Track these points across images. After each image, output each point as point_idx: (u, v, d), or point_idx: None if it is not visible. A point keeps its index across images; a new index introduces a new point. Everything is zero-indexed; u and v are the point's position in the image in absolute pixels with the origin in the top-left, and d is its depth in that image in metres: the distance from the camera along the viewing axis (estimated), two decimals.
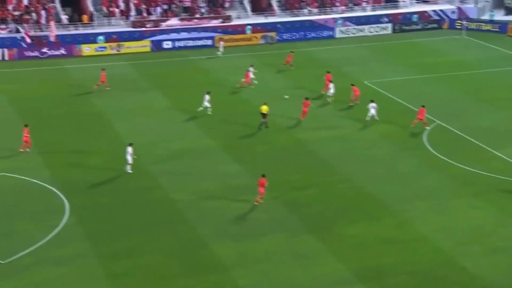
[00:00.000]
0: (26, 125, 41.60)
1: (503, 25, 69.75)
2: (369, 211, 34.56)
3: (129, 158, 38.42)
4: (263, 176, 35.11)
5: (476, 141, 42.85)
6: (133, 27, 66.06)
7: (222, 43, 63.35)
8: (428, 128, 44.46)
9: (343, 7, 72.40)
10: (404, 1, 74.30)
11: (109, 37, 64.57)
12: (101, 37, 64.40)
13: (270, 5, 71.61)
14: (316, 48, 64.85)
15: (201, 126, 45.83)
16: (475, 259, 30.08)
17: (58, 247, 31.20)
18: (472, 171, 38.68)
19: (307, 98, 46.81)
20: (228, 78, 55.84)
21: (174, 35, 65.93)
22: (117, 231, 32.75)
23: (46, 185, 37.31)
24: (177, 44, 65.55)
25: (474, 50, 64.35)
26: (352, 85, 49.85)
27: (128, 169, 38.61)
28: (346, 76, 55.17)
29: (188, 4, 69.43)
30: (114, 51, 63.54)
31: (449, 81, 55.17)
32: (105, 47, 63.74)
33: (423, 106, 44.91)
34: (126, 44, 64.20)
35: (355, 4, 73.10)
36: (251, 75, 53.47)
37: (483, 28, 70.32)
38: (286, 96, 48.17)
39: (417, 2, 75.37)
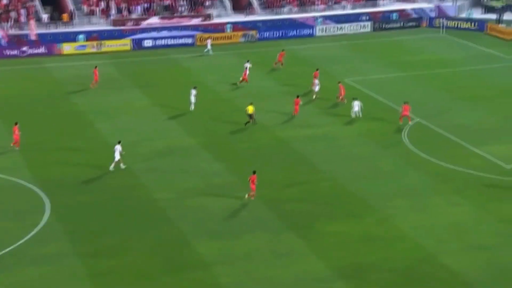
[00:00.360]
0: (16, 123, 41.42)
1: (481, 23, 70.27)
2: (350, 208, 34.66)
3: (117, 156, 38.29)
4: (254, 172, 35.12)
5: (455, 138, 43.14)
6: (113, 26, 65.68)
7: (209, 41, 63.10)
8: (410, 123, 44.68)
9: (323, 6, 72.53)
10: (383, 0, 74.59)
11: (89, 35, 64.14)
12: (81, 36, 63.95)
13: (250, 3, 71.56)
14: (296, 47, 64.89)
15: (183, 124, 45.69)
16: (455, 256, 30.28)
17: (39, 246, 30.96)
18: (452, 168, 38.93)
19: (298, 96, 46.98)
20: (209, 76, 55.71)
21: (154, 34, 65.65)
22: (98, 229, 32.56)
23: (26, 184, 36.99)
24: (158, 42, 65.27)
25: (452, 48, 64.76)
26: (339, 82, 49.95)
27: (112, 167, 38.49)
28: (326, 74, 55.23)
29: (168, 2, 69.18)
30: (95, 50, 63.14)
31: (429, 79, 55.47)
32: (85, 46, 63.31)
33: (407, 103, 45.10)
34: (107, 42, 63.81)
35: (335, 3, 73.27)
36: (248, 71, 53.39)
37: (461, 27, 70.79)
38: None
39: (396, 1, 75.68)
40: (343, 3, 73.35)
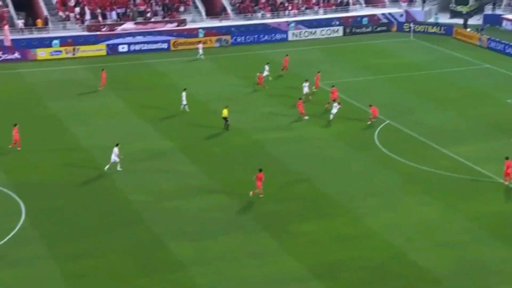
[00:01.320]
0: (15, 124, 41.55)
1: (448, 28, 71.19)
2: (322, 209, 34.92)
3: (115, 158, 38.43)
4: (260, 170, 35.39)
5: (424, 139, 43.67)
6: (88, 31, 65.40)
7: (200, 45, 62.97)
8: (370, 122, 45.39)
9: (296, 11, 72.95)
10: (354, 5, 75.20)
11: (64, 41, 63.80)
12: (56, 41, 63.58)
13: (224, 9, 71.72)
14: (270, 51, 65.16)
15: (158, 128, 45.66)
16: (424, 254, 30.65)
17: (15, 249, 30.75)
18: (421, 168, 39.40)
19: (300, 99, 47.52)
20: (184, 80, 55.71)
21: (129, 39, 65.51)
22: (74, 232, 32.42)
23: (1, 188, 36.68)
24: (133, 47, 65.13)
25: (421, 51, 65.50)
26: (333, 86, 49.87)
27: (107, 167, 38.59)
28: (299, 78, 55.54)
29: (143, 8, 69.08)
30: (70, 55, 62.80)
31: (399, 81, 56.07)
32: (60, 51, 62.95)
33: (371, 105, 45.71)
34: (82, 48, 63.52)
35: (307, 8, 73.72)
36: (266, 73, 53.84)
37: (429, 31, 71.65)
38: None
39: (366, 6, 76.37)
40: (315, 8, 73.85)
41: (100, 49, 64.09)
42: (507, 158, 37.02)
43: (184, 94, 47.91)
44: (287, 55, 58.68)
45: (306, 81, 50.97)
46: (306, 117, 46.51)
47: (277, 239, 31.87)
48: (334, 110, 46.17)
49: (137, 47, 65.27)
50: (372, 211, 34.59)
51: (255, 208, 34.86)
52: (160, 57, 63.24)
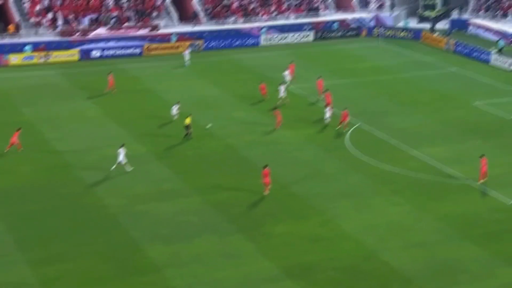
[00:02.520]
0: (19, 128, 41.83)
1: (416, 33, 72.06)
2: (295, 210, 35.14)
3: (122, 158, 38.51)
4: (266, 167, 35.93)
5: (395, 141, 44.15)
6: (61, 37, 64.93)
7: (187, 52, 62.57)
8: (339, 126, 45.54)
9: (267, 16, 73.27)
10: (325, 10, 75.76)
11: (36, 46, 63.22)
12: (28, 47, 62.99)
13: (196, 14, 71.75)
14: (242, 56, 65.35)
15: (131, 132, 45.52)
16: (395, 253, 31.02)
17: None
18: (392, 170, 39.85)
19: (275, 108, 46.59)
20: (157, 85, 55.61)
21: (102, 44, 65.17)
22: (48, 237, 32.20)
23: None
24: (106, 52, 64.80)
25: (390, 56, 66.20)
26: (327, 90, 49.73)
27: (113, 167, 38.60)
28: (271, 82, 55.82)
29: (116, 13, 68.81)
30: (42, 60, 62.30)
31: (369, 85, 56.61)
32: (32, 57, 62.39)
33: (346, 109, 46.02)
34: (54, 53, 63.03)
35: (278, 13, 74.10)
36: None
37: (398, 35, 72.47)
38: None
39: (337, 11, 76.98)
40: (286, 13, 74.27)
41: (72, 54, 63.67)
42: (482, 156, 37.53)
43: (176, 106, 46.74)
44: (292, 62, 57.53)
45: (282, 84, 51.11)
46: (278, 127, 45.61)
47: (251, 241, 32.01)
48: (328, 115, 45.84)
49: (110, 52, 64.95)
50: (345, 212, 34.89)
51: (229, 211, 34.96)
52: (133, 62, 63.01)
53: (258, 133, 45.60)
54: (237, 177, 38.92)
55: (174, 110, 46.82)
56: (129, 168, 38.87)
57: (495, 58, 62.53)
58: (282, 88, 50.60)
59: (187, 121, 44.03)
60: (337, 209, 35.14)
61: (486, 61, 62.91)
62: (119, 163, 38.68)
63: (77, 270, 29.49)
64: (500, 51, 64.05)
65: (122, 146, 39.11)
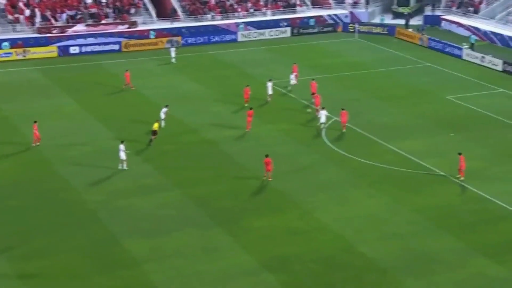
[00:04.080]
0: (35, 121, 41.67)
1: (391, 28, 72.31)
2: (274, 204, 35.08)
3: (123, 155, 37.84)
4: (267, 156, 36.40)
5: (371, 136, 44.24)
6: (39, 33, 64.15)
7: (173, 48, 61.89)
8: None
9: (245, 12, 73.05)
10: (301, 6, 75.73)
11: (14, 43, 62.41)
12: (6, 43, 62.15)
13: (174, 10, 71.30)
14: (220, 51, 65.09)
15: (111, 128, 45.12)
16: (372, 245, 31.10)
17: None
18: (368, 163, 39.94)
19: (251, 108, 45.72)
20: (136, 81, 55.13)
21: (81, 41, 64.52)
22: (28, 232, 31.79)
23: None
24: (84, 49, 64.16)
25: (366, 51, 66.34)
26: (313, 94, 48.94)
27: (124, 166, 38.08)
28: (249, 78, 55.73)
29: (94, 10, 68.14)
30: (20, 57, 61.48)
31: (345, 80, 56.68)
32: (10, 53, 61.54)
33: (343, 109, 44.87)
34: (33, 50, 62.25)
35: (255, 10, 73.90)
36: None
37: (373, 31, 72.66)
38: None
39: (313, 8, 76.99)
40: (263, 9, 74.10)
41: (51, 50, 62.95)
42: (460, 154, 37.73)
43: (164, 110, 45.03)
44: (294, 63, 55.33)
45: (270, 80, 50.84)
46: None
47: (231, 234, 31.89)
48: (323, 118, 44.21)
49: (89, 48, 64.32)
50: (322, 205, 34.90)
51: (209, 205, 34.79)
52: (111, 58, 62.48)
53: (237, 128, 45.42)
54: (217, 171, 38.74)
55: (162, 114, 44.94)
56: (125, 166, 38.21)
57: (467, 53, 62.95)
58: (270, 85, 50.13)
59: (155, 126, 42.41)
60: (315, 202, 35.13)
61: (458, 56, 63.32)
62: (122, 158, 38.12)
63: (57, 265, 29.16)
64: (472, 46, 64.51)
65: (122, 142, 38.48)
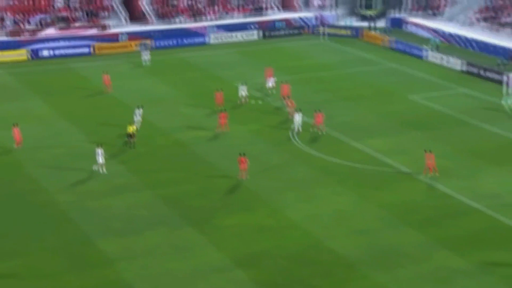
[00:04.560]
0: (15, 124, 41.07)
1: (356, 30, 72.96)
2: (244, 202, 35.14)
3: (100, 159, 37.30)
4: (242, 155, 36.63)
5: (338, 135, 44.55)
6: (10, 37, 63.32)
7: (146, 51, 61.14)
8: (320, 132, 44.34)
9: (215, 16, 73.03)
10: (270, 9, 75.90)
11: None
12: None
13: (145, 14, 70.99)
14: (190, 54, 64.98)
15: (82, 130, 44.78)
16: (340, 241, 31.32)
17: None
18: (335, 162, 40.22)
19: (225, 110, 45.45)
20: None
21: (52, 44, 63.89)
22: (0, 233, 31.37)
23: None
24: (55, 52, 63.57)
25: (333, 53, 66.78)
26: (287, 96, 48.69)
27: (98, 169, 37.50)
28: (218, 79, 55.76)
29: (65, 14, 67.50)
30: None
31: (313, 81, 56.97)
32: None
33: (319, 111, 44.82)
34: (3, 53, 61.44)
35: (225, 13, 73.91)
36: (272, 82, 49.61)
37: (340, 34, 73.20)
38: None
39: (281, 11, 77.23)
40: (233, 13, 74.15)
41: (21, 54, 62.22)
42: (426, 151, 38.14)
43: (138, 111, 44.58)
44: (268, 67, 54.70)
45: (243, 84, 50.73)
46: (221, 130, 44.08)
47: (202, 233, 31.87)
48: (298, 119, 44.02)
49: (60, 51, 63.73)
50: (291, 203, 35.06)
51: (180, 204, 34.72)
52: (83, 61, 61.97)
53: (207, 128, 45.39)
54: (187, 171, 38.69)
55: (138, 115, 44.44)
56: (104, 170, 37.81)
57: (429, 54, 63.78)
58: (243, 88, 49.98)
59: (130, 129, 41.69)
60: (284, 200, 35.27)
61: (421, 57, 64.11)
62: (100, 163, 37.71)
63: (29, 266, 28.84)
64: (437, 47, 65.32)
65: (99, 146, 37.94)
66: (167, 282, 28.03)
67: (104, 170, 37.83)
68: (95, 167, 37.92)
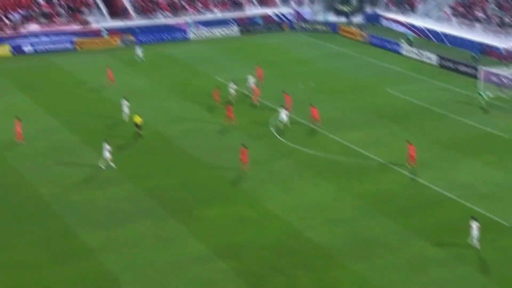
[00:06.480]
0: (18, 119, 40.42)
1: (334, 26, 73.07)
2: (225, 194, 35.08)
3: (107, 154, 36.76)
4: (243, 146, 36.40)
5: (316, 127, 44.59)
6: None
7: (139, 48, 60.53)
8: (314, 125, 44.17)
9: (195, 11, 72.71)
10: (248, 5, 75.74)
11: None
12: None
13: (126, 9, 70.46)
14: (171, 49, 64.64)
15: (65, 124, 44.38)
16: (318, 230, 31.41)
17: None
18: (313, 154, 40.29)
19: (231, 104, 45.34)
20: (89, 78, 54.40)
21: (34, 40, 63.20)
22: None
23: None
24: (38, 48, 62.88)
25: (311, 48, 66.83)
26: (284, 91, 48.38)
27: (103, 164, 36.94)
28: (199, 74, 55.53)
29: (47, 10, 66.75)
30: None
31: (291, 76, 56.98)
32: None
33: (312, 105, 44.72)
34: None
35: (205, 9, 73.61)
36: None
37: (317, 29, 73.27)
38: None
39: (260, 6, 77.11)
40: (212, 9, 73.88)
41: (4, 49, 61.43)
42: (408, 142, 38.26)
43: (125, 102, 44.18)
44: (258, 65, 54.18)
45: (232, 83, 50.40)
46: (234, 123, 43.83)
47: (184, 224, 31.78)
48: (284, 118, 43.53)
49: (42, 47, 63.08)
50: (271, 194, 35.07)
51: (162, 196, 34.57)
52: (65, 57, 61.37)
53: (188, 122, 45.22)
54: (169, 164, 38.53)
55: (125, 108, 43.90)
56: (105, 166, 37.35)
57: (404, 49, 64.09)
58: (232, 86, 49.71)
59: (138, 119, 41.52)
60: (264, 192, 35.26)
61: (397, 52, 64.40)
62: (106, 158, 37.23)
63: (12, 257, 28.55)
64: (410, 42, 65.67)
65: (105, 141, 37.46)
66: (150, 272, 27.91)
67: (113, 164, 37.28)
68: (100, 164, 37.28)
